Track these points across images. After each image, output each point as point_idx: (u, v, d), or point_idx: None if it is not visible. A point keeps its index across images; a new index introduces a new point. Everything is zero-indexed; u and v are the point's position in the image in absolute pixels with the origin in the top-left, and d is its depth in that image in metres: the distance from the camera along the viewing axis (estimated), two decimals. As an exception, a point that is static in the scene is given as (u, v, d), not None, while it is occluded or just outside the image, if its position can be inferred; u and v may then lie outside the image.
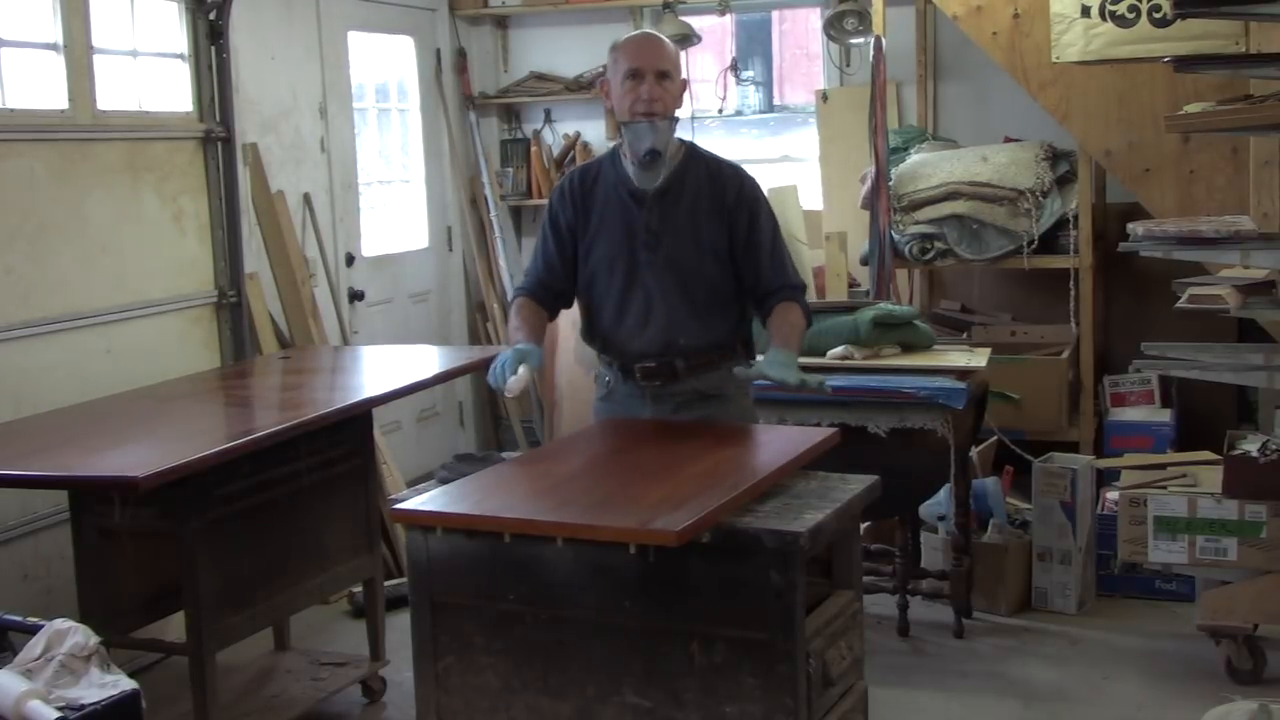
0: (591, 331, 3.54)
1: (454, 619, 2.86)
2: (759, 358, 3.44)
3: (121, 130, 4.60)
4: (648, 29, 3.67)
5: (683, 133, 3.50)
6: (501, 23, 7.10)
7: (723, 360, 3.44)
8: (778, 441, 3.30)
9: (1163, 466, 4.53)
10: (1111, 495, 4.76)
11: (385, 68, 6.63)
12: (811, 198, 6.55)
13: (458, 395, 6.94)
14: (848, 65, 6.50)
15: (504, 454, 4.21)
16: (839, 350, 4.53)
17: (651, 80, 3.31)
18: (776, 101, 7.50)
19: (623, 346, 3.46)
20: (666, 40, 3.44)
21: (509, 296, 6.82)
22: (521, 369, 3.19)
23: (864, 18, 5.96)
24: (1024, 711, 4.08)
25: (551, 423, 6.68)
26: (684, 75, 3.48)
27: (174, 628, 3.94)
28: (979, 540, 4.86)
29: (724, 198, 3.40)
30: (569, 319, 6.52)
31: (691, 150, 3.47)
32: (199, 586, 3.49)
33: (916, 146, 6.02)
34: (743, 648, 2.65)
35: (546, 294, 3.50)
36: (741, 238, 3.41)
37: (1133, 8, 4.97)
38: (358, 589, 4.58)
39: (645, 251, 3.38)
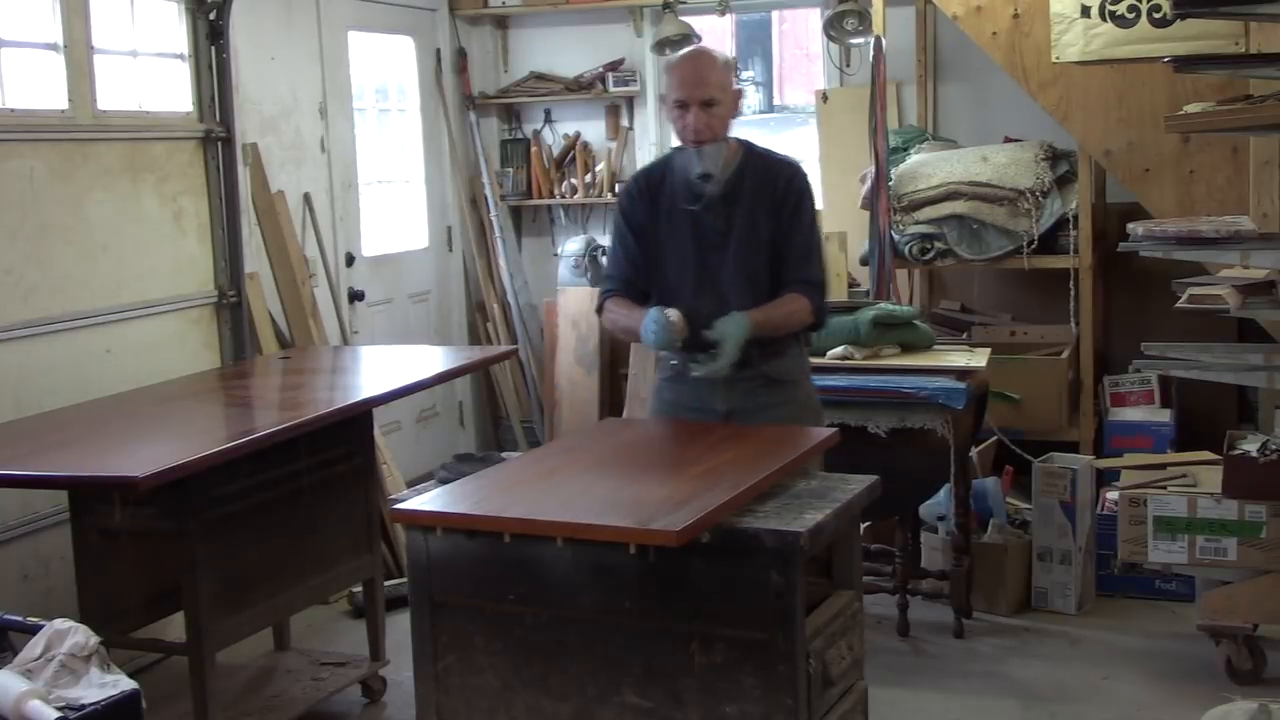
0: None
1: (454, 619, 2.86)
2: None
3: (121, 130, 4.60)
4: (695, 46, 3.67)
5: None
6: (501, 23, 7.10)
7: (791, 347, 3.51)
8: (778, 441, 3.30)
9: (1163, 466, 4.53)
10: (1111, 495, 4.76)
11: (385, 68, 6.63)
12: (811, 198, 6.54)
13: (458, 395, 6.94)
14: (848, 65, 6.50)
15: (504, 454, 4.22)
16: (839, 350, 4.53)
17: (696, 111, 3.37)
18: (776, 101, 7.51)
19: (693, 348, 3.47)
20: (715, 60, 3.45)
21: (509, 297, 6.91)
22: (672, 313, 3.28)
23: (864, 18, 5.96)
24: (1024, 711, 4.08)
25: (551, 423, 6.68)
26: (737, 86, 3.49)
27: (174, 628, 3.94)
28: (979, 540, 4.86)
29: (775, 189, 3.48)
30: (568, 320, 6.59)
31: (748, 149, 3.54)
32: (199, 586, 3.49)
33: (916, 146, 6.02)
34: (743, 648, 2.65)
35: (634, 293, 3.53)
36: (781, 225, 3.47)
37: (1133, 8, 4.97)
38: (358, 589, 4.58)
39: (714, 253, 3.45)
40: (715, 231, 3.46)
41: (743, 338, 3.29)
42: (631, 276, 3.55)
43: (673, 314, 3.31)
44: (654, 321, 3.30)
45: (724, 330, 3.29)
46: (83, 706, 2.34)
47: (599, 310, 3.61)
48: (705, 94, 3.37)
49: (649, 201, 3.53)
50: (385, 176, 6.61)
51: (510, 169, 7.08)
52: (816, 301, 3.47)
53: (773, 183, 3.48)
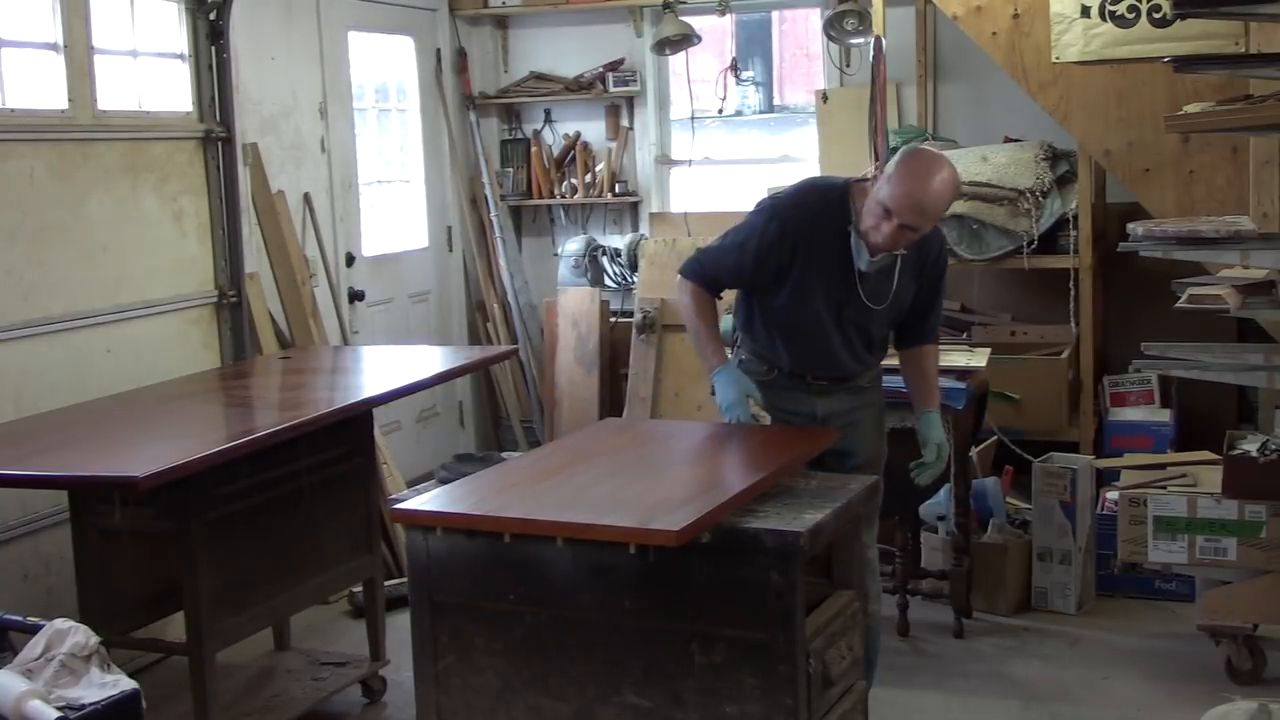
0: (766, 340, 3.63)
1: (454, 619, 2.86)
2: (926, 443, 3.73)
3: (121, 130, 4.60)
4: (941, 165, 3.37)
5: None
6: (501, 23, 7.10)
7: (877, 364, 3.77)
8: (778, 441, 3.30)
9: (1163, 466, 4.53)
10: (1111, 495, 4.75)
11: (385, 68, 6.63)
12: (811, 198, 6.52)
13: (458, 395, 6.95)
14: (848, 65, 6.50)
15: (504, 454, 4.22)
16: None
17: (896, 228, 3.33)
18: (776, 101, 7.50)
19: (799, 370, 3.61)
20: (946, 194, 3.35)
21: (509, 297, 6.92)
22: (754, 407, 3.54)
23: (864, 18, 5.96)
24: (1024, 711, 4.08)
25: (551, 423, 6.68)
26: (943, 217, 3.56)
27: (174, 628, 3.94)
28: (979, 540, 4.86)
29: (925, 260, 3.58)
30: (569, 320, 6.59)
31: None
32: (199, 586, 3.49)
33: (916, 146, 6.01)
34: (743, 648, 2.65)
35: (714, 290, 3.66)
36: (924, 293, 3.63)
37: (1132, 8, 4.97)
38: (358, 589, 4.58)
39: (850, 310, 3.52)
40: (863, 296, 3.50)
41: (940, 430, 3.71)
42: (725, 280, 3.65)
43: (759, 414, 3.58)
44: (737, 407, 3.47)
45: (928, 436, 3.68)
46: (83, 706, 2.34)
47: (682, 273, 3.66)
48: (913, 221, 3.33)
49: (798, 244, 3.46)
50: (385, 176, 6.61)
51: (510, 169, 7.08)
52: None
53: (924, 252, 3.55)
